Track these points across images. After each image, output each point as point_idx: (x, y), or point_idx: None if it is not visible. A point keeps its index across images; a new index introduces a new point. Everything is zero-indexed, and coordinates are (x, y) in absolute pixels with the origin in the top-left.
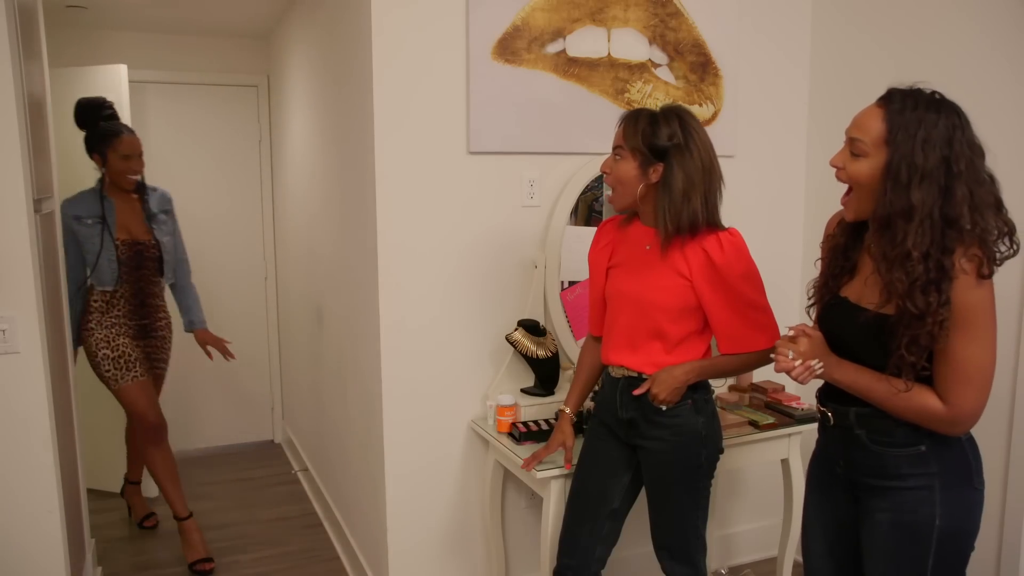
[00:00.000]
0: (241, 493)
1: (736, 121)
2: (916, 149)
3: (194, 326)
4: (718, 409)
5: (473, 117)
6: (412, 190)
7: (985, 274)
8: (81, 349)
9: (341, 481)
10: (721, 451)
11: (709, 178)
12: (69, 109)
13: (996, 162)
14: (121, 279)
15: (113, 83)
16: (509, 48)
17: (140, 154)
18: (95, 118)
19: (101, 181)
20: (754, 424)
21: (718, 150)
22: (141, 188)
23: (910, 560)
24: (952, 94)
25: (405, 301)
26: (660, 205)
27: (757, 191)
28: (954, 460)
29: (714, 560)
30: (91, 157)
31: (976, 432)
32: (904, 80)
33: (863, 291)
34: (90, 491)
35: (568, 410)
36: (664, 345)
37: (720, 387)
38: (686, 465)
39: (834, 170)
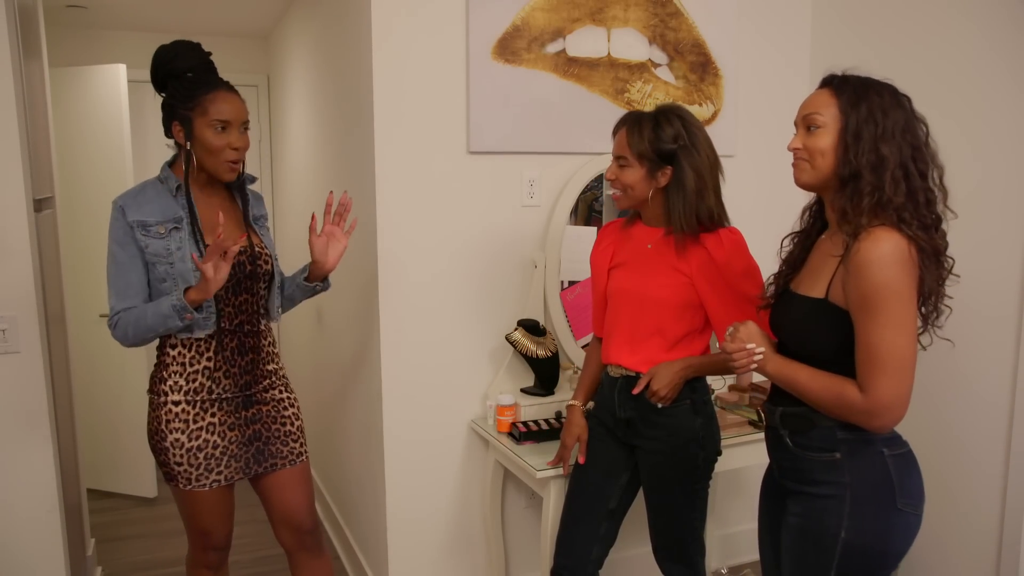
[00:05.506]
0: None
1: (736, 121)
2: (874, 110)
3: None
4: (717, 409)
5: (473, 117)
6: (412, 190)
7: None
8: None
9: (341, 481)
10: (719, 453)
11: (716, 172)
12: (69, 109)
13: (994, 162)
14: (221, 317)
15: (112, 83)
16: (509, 48)
17: (244, 123)
18: (177, 69)
19: (182, 164)
20: (754, 424)
21: (718, 150)
22: (240, 184)
23: (812, 569)
24: (951, 94)
25: (405, 301)
26: (674, 206)
27: (757, 191)
28: (871, 474)
29: (714, 560)
30: (169, 132)
31: (975, 431)
32: (904, 80)
33: (802, 280)
34: (90, 491)
35: (578, 402)
36: (663, 343)
37: (720, 387)
38: (683, 467)
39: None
